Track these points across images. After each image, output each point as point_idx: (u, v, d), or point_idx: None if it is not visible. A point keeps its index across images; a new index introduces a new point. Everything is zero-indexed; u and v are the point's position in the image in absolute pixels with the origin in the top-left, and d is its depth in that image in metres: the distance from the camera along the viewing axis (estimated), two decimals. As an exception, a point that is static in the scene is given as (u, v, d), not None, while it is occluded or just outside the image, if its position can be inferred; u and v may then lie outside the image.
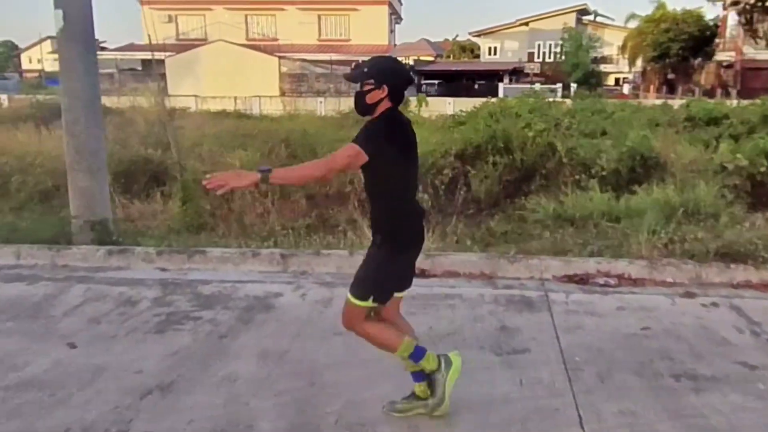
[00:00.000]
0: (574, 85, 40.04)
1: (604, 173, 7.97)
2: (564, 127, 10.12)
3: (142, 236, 5.84)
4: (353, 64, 31.21)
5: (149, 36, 22.02)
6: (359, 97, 2.43)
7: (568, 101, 20.52)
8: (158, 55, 28.24)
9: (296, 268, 4.80)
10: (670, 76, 32.43)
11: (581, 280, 4.45)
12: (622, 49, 39.82)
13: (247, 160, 8.69)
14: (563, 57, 38.17)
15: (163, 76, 26.66)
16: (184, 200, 7.35)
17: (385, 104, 2.40)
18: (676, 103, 21.09)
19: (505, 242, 5.73)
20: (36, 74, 61.94)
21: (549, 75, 44.28)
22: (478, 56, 59.42)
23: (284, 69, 26.83)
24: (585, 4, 47.51)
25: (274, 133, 12.31)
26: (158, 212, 7.49)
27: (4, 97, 26.91)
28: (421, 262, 4.70)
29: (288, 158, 9.35)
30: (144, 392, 2.87)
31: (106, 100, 21.45)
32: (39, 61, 76.90)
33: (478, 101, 29.30)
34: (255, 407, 2.73)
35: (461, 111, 17.70)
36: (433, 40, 67.68)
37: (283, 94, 26.52)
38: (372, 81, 2.38)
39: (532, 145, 8.57)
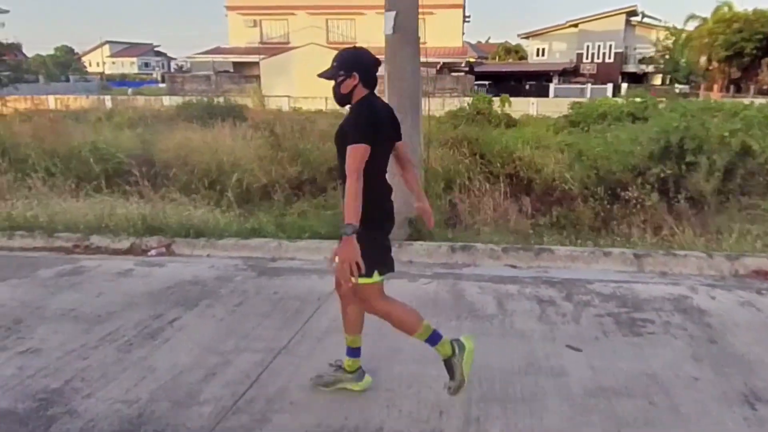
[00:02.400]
0: (624, 85, 39.09)
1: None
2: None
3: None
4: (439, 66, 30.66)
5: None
6: (335, 90, 2.50)
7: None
8: (253, 58, 28.36)
9: (653, 268, 4.55)
10: (735, 75, 31.31)
11: None
12: (683, 48, 38.65)
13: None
14: (667, 56, 36.83)
15: (258, 77, 26.75)
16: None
17: (360, 90, 2.46)
18: (756, 101, 20.32)
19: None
20: (98, 77, 63.15)
21: (598, 75, 43.44)
22: (522, 57, 58.51)
23: (371, 70, 26.65)
24: (635, 6, 46.28)
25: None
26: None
27: (108, 98, 27.35)
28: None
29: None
30: (740, 401, 2.65)
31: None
32: (98, 64, 78.47)
33: (549, 101, 28.59)
34: None
35: (572, 110, 17.26)
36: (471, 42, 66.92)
37: (370, 94, 26.34)
38: (342, 72, 2.45)
39: (727, 145, 8.20)
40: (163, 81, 67.49)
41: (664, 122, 9.07)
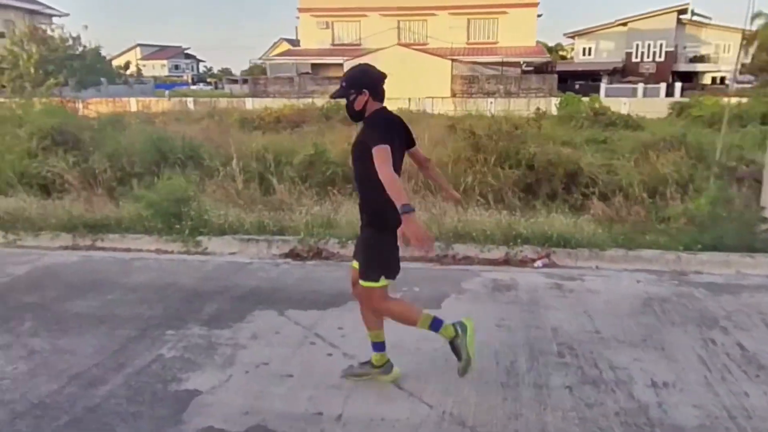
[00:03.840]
0: (678, 85, 38.29)
1: None
2: None
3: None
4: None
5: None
6: (349, 107, 2.62)
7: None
8: (333, 60, 28.09)
9: None
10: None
11: None
12: (747, 46, 37.85)
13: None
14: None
15: (339, 78, 26.45)
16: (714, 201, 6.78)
17: (372, 104, 2.58)
18: None
19: None
20: (152, 79, 62.96)
21: (650, 75, 42.71)
22: (563, 57, 57.73)
23: (455, 71, 26.23)
24: (687, 4, 45.43)
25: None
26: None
27: (190, 100, 27.20)
28: None
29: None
30: None
31: (284, 101, 21.20)
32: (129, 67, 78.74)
33: (639, 101, 27.85)
34: None
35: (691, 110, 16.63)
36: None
37: (454, 95, 25.94)
38: (353, 91, 2.57)
39: None
40: (194, 83, 67.74)
41: None
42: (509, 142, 9.62)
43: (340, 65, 25.88)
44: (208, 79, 79.19)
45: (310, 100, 24.59)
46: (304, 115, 16.91)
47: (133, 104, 27.13)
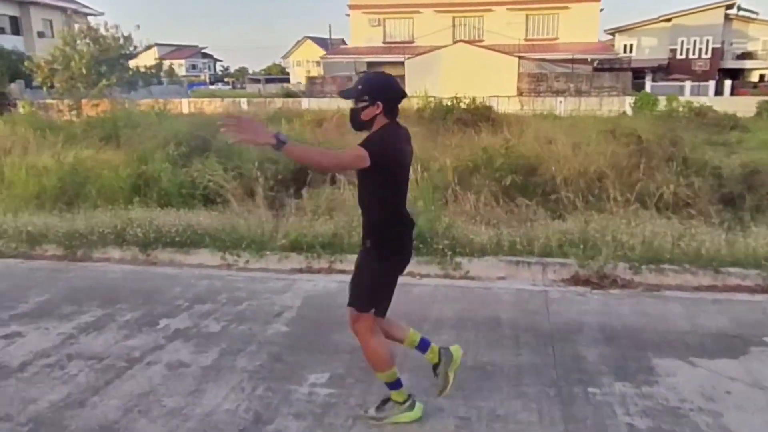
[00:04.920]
0: (728, 82, 37.33)
1: None
2: None
3: None
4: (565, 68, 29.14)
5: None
6: (354, 114, 2.40)
7: None
8: (393, 58, 27.57)
9: None
10: None
11: None
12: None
13: None
14: None
15: (402, 77, 25.92)
16: None
17: (381, 120, 2.37)
18: None
19: None
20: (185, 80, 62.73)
21: (694, 72, 41.80)
22: (600, 54, 56.92)
23: (521, 69, 25.57)
24: (735, -1, 44.40)
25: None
26: None
27: (244, 101, 26.83)
28: None
29: None
30: None
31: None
32: (146, 67, 78.88)
33: (719, 99, 26.98)
34: None
35: None
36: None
37: (520, 93, 25.26)
38: (366, 98, 2.34)
39: None
40: (212, 83, 67.60)
41: None
42: (676, 147, 9.00)
43: (399, 63, 25.36)
44: (226, 79, 79.07)
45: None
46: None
47: (185, 105, 26.79)
